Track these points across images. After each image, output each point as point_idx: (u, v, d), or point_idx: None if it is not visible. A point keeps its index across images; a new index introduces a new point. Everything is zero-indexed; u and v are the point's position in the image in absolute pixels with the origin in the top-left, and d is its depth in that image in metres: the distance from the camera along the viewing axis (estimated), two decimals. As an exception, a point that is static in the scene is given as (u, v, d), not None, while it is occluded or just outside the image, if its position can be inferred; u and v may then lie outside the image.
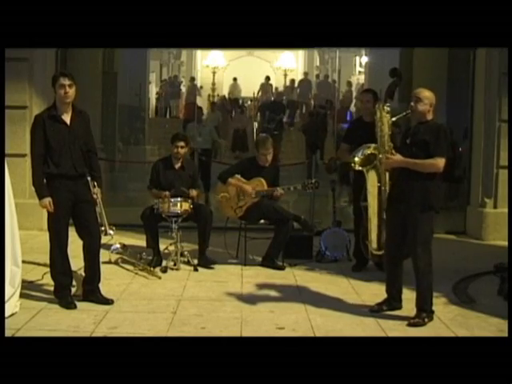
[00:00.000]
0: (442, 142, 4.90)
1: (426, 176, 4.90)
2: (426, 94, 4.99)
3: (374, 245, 5.56)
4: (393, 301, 5.20)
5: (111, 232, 5.36)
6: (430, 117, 5.00)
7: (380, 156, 5.24)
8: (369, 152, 5.32)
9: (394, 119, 5.26)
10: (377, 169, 5.33)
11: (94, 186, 5.21)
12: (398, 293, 5.21)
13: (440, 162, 4.89)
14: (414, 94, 5.02)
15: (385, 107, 5.32)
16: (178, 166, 6.84)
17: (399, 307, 5.21)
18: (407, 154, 5.00)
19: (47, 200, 5.02)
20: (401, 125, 5.71)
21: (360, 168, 5.37)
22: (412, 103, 4.99)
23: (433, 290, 5.02)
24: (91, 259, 5.23)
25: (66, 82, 5.00)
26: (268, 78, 20.52)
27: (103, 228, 5.29)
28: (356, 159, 5.34)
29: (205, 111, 17.38)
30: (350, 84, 19.63)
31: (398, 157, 5.04)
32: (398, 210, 5.04)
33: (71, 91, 5.03)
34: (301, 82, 20.46)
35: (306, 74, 21.33)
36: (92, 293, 5.24)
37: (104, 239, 5.47)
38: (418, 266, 4.93)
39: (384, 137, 5.26)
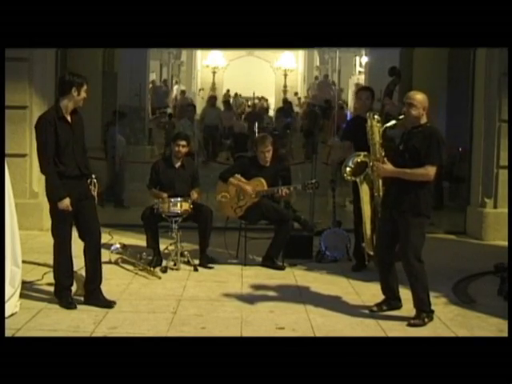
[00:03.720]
0: (433, 149, 4.86)
1: (416, 183, 4.87)
2: (419, 98, 4.92)
3: (368, 248, 5.61)
4: (391, 301, 5.21)
5: None
6: (423, 120, 4.95)
7: (371, 164, 5.26)
8: (359, 160, 5.40)
9: (387, 125, 5.20)
10: (369, 177, 5.37)
11: (94, 185, 5.22)
12: (394, 294, 5.21)
13: (430, 171, 4.86)
14: (406, 98, 4.96)
15: (375, 116, 5.40)
16: (178, 165, 6.82)
17: (399, 306, 5.21)
18: (400, 160, 4.98)
19: (67, 201, 4.97)
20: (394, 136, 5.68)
21: (353, 178, 5.44)
22: (405, 109, 4.94)
23: (429, 290, 5.00)
24: (93, 258, 5.21)
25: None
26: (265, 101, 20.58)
27: None
28: (347, 169, 5.41)
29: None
30: (334, 84, 19.61)
31: (388, 166, 5.02)
32: (389, 216, 5.03)
33: None
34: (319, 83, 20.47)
35: (326, 76, 21.26)
36: (94, 293, 5.21)
37: (104, 239, 5.47)
38: (410, 272, 4.94)
39: (375, 145, 5.35)
